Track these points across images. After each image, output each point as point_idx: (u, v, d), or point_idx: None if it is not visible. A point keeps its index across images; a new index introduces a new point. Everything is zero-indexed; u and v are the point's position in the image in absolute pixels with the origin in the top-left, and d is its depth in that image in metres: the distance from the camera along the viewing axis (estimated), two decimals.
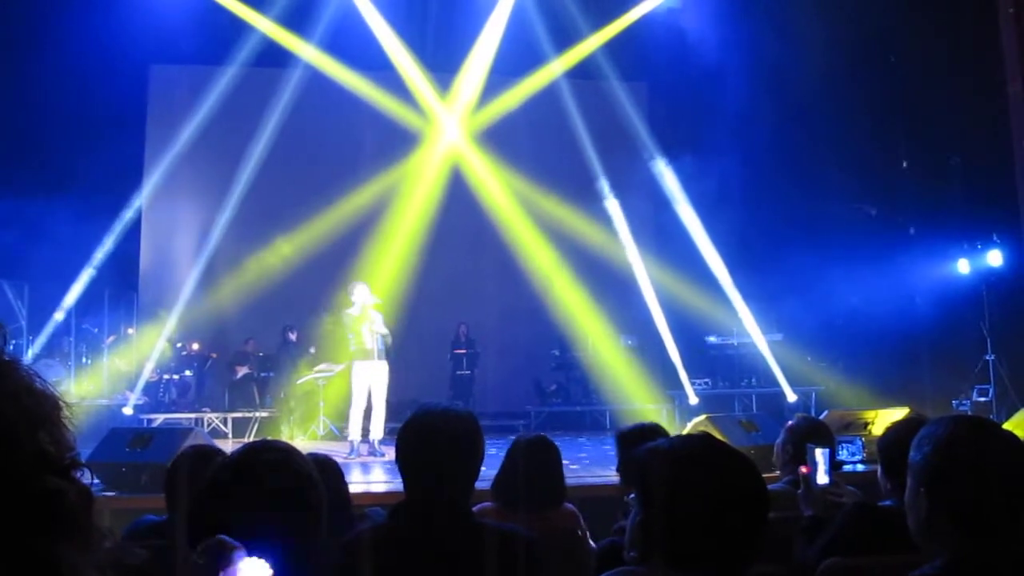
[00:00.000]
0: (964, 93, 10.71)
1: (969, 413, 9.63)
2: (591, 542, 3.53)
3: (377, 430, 9.02)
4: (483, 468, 2.33)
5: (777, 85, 11.76)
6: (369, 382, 9.01)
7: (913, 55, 11.92)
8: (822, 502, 2.73)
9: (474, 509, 3.38)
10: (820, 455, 2.79)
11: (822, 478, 2.78)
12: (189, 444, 4.58)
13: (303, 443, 10.31)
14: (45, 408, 0.97)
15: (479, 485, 2.38)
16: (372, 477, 7.63)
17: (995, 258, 10.87)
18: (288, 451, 1.60)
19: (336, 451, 9.20)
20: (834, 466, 2.80)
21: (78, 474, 1.03)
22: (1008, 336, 10.20)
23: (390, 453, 8.51)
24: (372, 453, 8.95)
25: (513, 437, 3.92)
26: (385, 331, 9.02)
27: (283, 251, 13.04)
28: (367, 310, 9.00)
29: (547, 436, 3.80)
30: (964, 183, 11.19)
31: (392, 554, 2.13)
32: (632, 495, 1.50)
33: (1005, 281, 10.43)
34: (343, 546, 2.21)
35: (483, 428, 2.33)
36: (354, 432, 9.06)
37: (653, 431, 3.51)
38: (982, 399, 10.32)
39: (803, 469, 2.84)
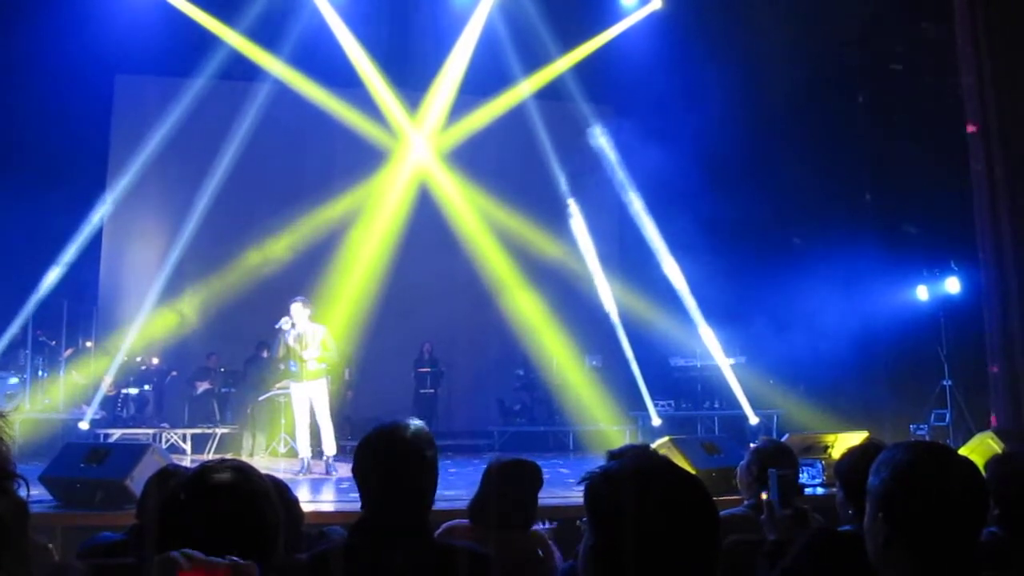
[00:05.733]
0: (925, 126, 10.95)
1: (927, 438, 9.77)
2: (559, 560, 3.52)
3: (329, 447, 8.93)
4: (455, 489, 2.36)
5: (743, 112, 11.91)
6: (307, 402, 8.93)
7: (876, 86, 12.16)
8: (785, 527, 2.74)
9: (447, 526, 3.41)
10: (783, 481, 2.80)
11: (785, 504, 2.79)
12: (156, 464, 4.49)
13: (260, 460, 10.19)
14: None
15: (458, 505, 2.41)
16: (322, 496, 7.51)
17: (953, 285, 11.06)
18: (244, 470, 1.57)
19: (293, 468, 9.12)
20: (797, 491, 2.81)
21: (14, 486, 1.00)
22: (965, 362, 10.35)
23: (343, 470, 8.44)
24: (328, 470, 8.85)
25: (476, 456, 3.91)
26: (318, 353, 8.83)
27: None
28: (296, 330, 8.89)
29: (526, 459, 3.78)
30: (923, 211, 11.39)
31: (358, 571, 2.16)
32: (584, 519, 1.49)
33: (962, 308, 10.59)
34: (308, 564, 2.21)
35: (446, 448, 2.36)
36: (303, 450, 8.97)
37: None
38: (939, 424, 10.45)
39: (765, 495, 2.85)
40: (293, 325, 8.91)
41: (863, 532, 1.77)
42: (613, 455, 3.05)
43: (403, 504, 2.25)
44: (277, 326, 8.94)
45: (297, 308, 8.98)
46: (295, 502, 3.18)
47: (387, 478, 2.26)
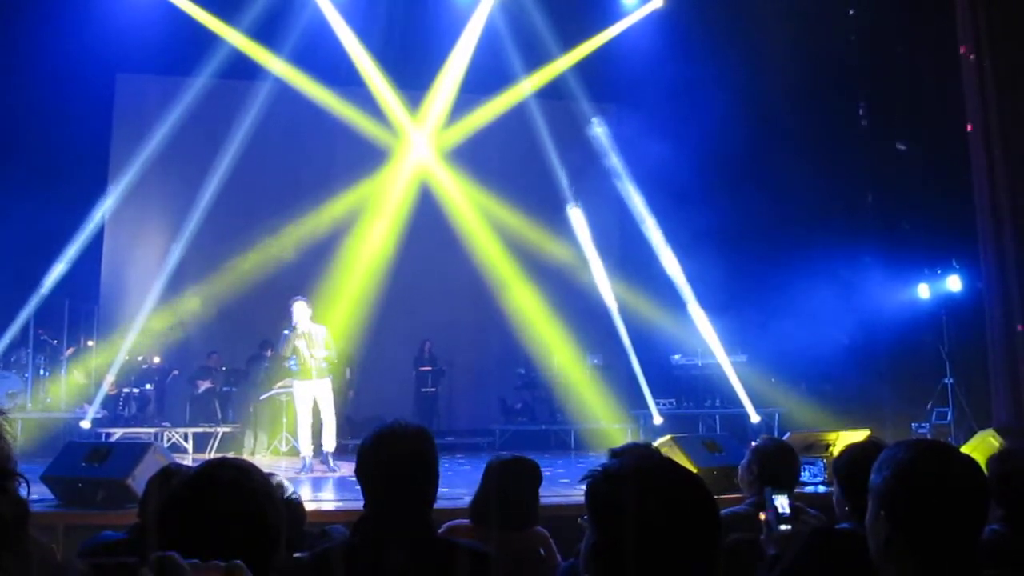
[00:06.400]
0: (925, 126, 10.94)
1: (928, 436, 9.77)
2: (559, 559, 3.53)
3: (329, 443, 8.99)
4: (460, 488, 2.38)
5: (744, 111, 11.90)
6: (310, 401, 9.00)
7: (876, 86, 12.15)
8: (784, 543, 2.73)
9: (449, 525, 3.41)
10: (779, 501, 2.79)
11: (782, 523, 2.78)
12: (158, 463, 4.48)
13: (262, 459, 10.20)
14: None
15: (460, 504, 2.43)
16: (323, 495, 7.52)
17: (954, 283, 11.05)
18: (246, 469, 1.58)
19: (295, 466, 9.14)
20: (794, 508, 2.80)
21: (14, 485, 0.99)
22: (966, 360, 10.35)
23: (344, 468, 8.47)
24: (325, 463, 8.89)
25: (476, 455, 3.92)
26: (325, 352, 8.94)
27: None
28: (301, 329, 8.94)
29: (524, 456, 3.78)
30: (923, 211, 11.39)
31: (359, 570, 2.17)
32: (586, 516, 1.49)
33: (964, 306, 10.59)
34: (310, 563, 2.22)
35: (447, 446, 2.38)
36: (305, 449, 9.01)
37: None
38: (941, 422, 10.45)
39: (762, 516, 2.83)
40: (294, 324, 8.97)
41: (861, 529, 1.77)
42: (615, 453, 3.06)
43: (404, 503, 2.27)
44: (292, 325, 8.97)
45: (301, 307, 9.03)
46: (297, 501, 3.19)
47: (388, 477, 2.29)
